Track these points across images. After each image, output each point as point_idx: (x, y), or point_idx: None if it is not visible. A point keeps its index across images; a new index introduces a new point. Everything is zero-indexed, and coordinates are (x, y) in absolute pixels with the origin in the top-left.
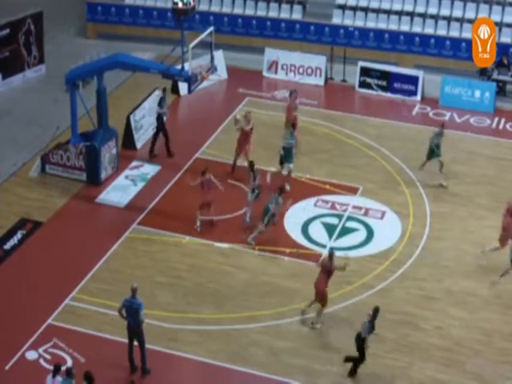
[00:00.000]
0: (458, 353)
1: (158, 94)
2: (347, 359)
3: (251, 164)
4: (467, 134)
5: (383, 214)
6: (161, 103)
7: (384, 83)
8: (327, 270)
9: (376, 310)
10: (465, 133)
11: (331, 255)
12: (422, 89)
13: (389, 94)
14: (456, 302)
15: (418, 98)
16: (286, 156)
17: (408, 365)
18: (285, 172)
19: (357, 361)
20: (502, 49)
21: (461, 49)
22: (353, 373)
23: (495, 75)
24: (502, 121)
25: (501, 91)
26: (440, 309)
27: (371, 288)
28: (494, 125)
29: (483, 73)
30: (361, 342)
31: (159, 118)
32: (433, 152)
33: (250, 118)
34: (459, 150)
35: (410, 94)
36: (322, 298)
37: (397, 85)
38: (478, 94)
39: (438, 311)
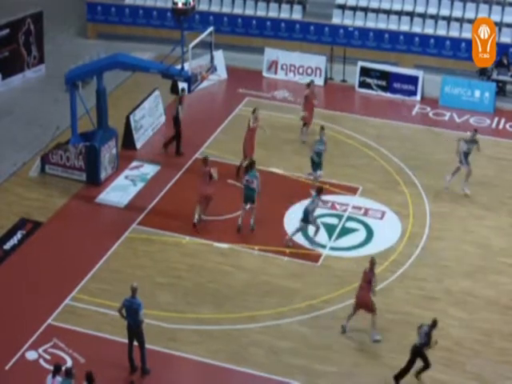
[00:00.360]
0: (458, 353)
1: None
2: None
3: (252, 163)
4: (466, 134)
5: (383, 214)
6: (181, 103)
7: (384, 83)
8: (368, 279)
9: (434, 322)
10: (464, 133)
11: (372, 263)
12: (421, 89)
13: (388, 94)
14: (456, 302)
15: (418, 97)
16: (319, 162)
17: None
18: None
19: (424, 367)
20: (501, 49)
21: (460, 49)
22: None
23: (495, 75)
24: (502, 121)
25: (501, 91)
26: (440, 309)
27: None
28: (493, 125)
29: (483, 73)
30: (419, 352)
31: (177, 118)
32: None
33: (257, 115)
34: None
35: (409, 94)
36: (370, 308)
37: (396, 85)
38: (477, 94)
39: (437, 311)
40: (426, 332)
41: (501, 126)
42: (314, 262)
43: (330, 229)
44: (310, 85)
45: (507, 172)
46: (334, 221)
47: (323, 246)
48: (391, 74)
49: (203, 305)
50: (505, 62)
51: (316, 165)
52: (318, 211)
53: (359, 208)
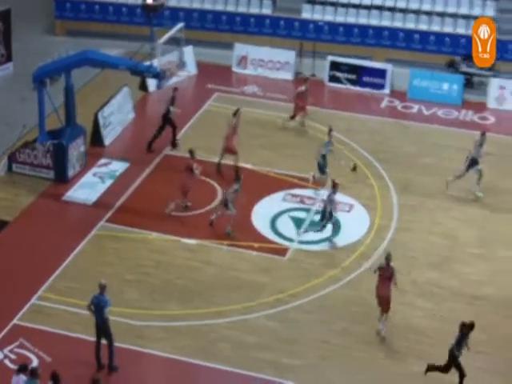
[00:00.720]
0: (425, 344)
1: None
2: (431, 368)
3: (238, 171)
4: (434, 127)
5: (351, 207)
6: (173, 103)
7: (353, 77)
8: (388, 274)
9: (471, 324)
10: (432, 125)
11: (388, 259)
12: (390, 82)
13: (358, 88)
14: (422, 292)
15: (387, 91)
16: (325, 164)
17: (375, 357)
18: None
19: (460, 377)
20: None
21: (429, 42)
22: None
23: (463, 68)
24: (470, 113)
25: (468, 83)
26: (407, 300)
27: (339, 281)
28: (461, 117)
29: (451, 65)
30: (453, 358)
31: (167, 115)
32: (475, 163)
33: (239, 114)
34: (427, 142)
35: (378, 88)
36: (387, 304)
37: (366, 78)
38: (445, 86)
39: (405, 303)
40: (462, 335)
41: (468, 118)
42: (282, 256)
43: (298, 222)
44: (306, 80)
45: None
46: (302, 215)
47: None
48: (360, 68)
49: (171, 301)
50: (471, 54)
51: (321, 167)
52: (287, 205)
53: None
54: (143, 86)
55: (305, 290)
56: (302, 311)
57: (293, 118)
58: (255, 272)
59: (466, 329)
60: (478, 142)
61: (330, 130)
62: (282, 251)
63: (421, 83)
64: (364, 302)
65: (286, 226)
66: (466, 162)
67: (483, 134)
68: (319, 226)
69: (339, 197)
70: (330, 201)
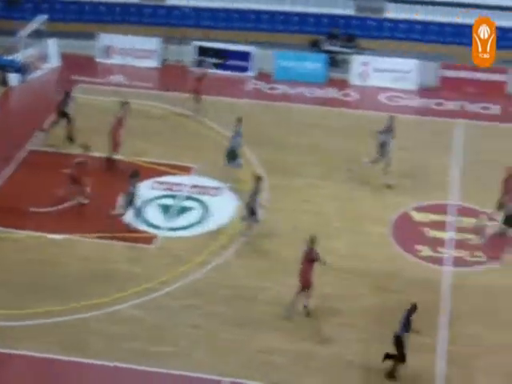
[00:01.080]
0: (297, 319)
1: None
2: (387, 356)
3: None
4: (300, 106)
5: (219, 190)
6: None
7: (219, 61)
8: (311, 257)
9: (413, 307)
10: (298, 105)
11: (312, 242)
12: (255, 64)
13: (224, 72)
14: (292, 270)
15: (252, 73)
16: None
17: (247, 338)
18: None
19: (395, 360)
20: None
21: (292, 22)
22: (392, 375)
23: (326, 46)
24: (334, 90)
25: (333, 62)
26: (276, 279)
27: (208, 264)
28: (325, 95)
29: (315, 45)
30: (398, 341)
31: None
32: (385, 148)
33: (127, 106)
34: (292, 121)
35: (244, 70)
36: (308, 286)
37: (231, 62)
38: (310, 65)
39: (274, 281)
40: (405, 318)
41: (332, 96)
42: (150, 244)
43: (166, 210)
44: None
45: (335, 139)
46: (170, 201)
47: (162, 229)
48: (225, 52)
49: (41, 299)
50: (335, 33)
51: (231, 156)
52: (155, 193)
53: (195, 187)
54: (3, 81)
55: (173, 276)
56: (171, 298)
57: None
58: (124, 262)
59: (410, 311)
60: (387, 125)
61: (239, 121)
62: (149, 240)
63: (285, 64)
64: (233, 283)
65: (153, 214)
66: (377, 147)
67: (391, 118)
68: (250, 220)
69: (206, 181)
70: (255, 193)
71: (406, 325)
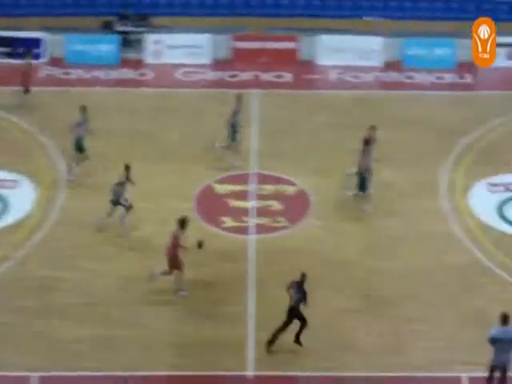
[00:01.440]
0: (100, 305)
1: None
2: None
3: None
4: (96, 89)
5: (17, 183)
6: None
7: (8, 50)
8: (174, 237)
9: (303, 276)
10: (93, 88)
11: (181, 222)
12: (47, 50)
13: (15, 61)
14: (93, 255)
15: (44, 60)
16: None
17: (53, 329)
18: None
19: (301, 326)
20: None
21: (82, 5)
22: (297, 338)
23: (118, 27)
24: (129, 71)
25: (125, 42)
26: (77, 266)
27: (9, 259)
28: (120, 75)
29: (107, 26)
30: (294, 312)
31: None
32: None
33: None
34: (91, 105)
35: (35, 58)
36: (175, 263)
37: (21, 49)
38: (103, 48)
39: (74, 269)
40: (299, 287)
41: (127, 76)
42: None
43: None
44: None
45: (139, 121)
46: None
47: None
48: (14, 40)
49: None
50: (127, 13)
51: (79, 147)
52: None
53: None
54: None
55: None
56: None
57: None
58: None
59: (301, 283)
60: (235, 107)
61: (83, 109)
62: None
63: (78, 48)
64: (35, 275)
65: None
66: (228, 130)
67: (239, 98)
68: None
69: (3, 175)
70: (120, 184)
71: (302, 295)
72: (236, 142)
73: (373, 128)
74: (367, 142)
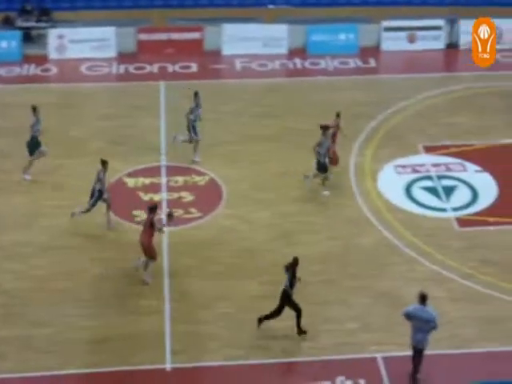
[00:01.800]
0: (15, 305)
1: None
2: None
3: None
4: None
5: None
6: None
7: None
8: (148, 223)
9: (295, 260)
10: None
11: (152, 208)
12: None
13: None
14: (9, 255)
15: None
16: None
17: None
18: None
19: (297, 316)
20: None
21: None
22: (299, 329)
23: (19, 23)
24: (32, 67)
25: (28, 38)
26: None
27: None
28: (24, 72)
29: (7, 22)
30: (288, 298)
31: None
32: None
33: None
34: None
35: None
36: (149, 251)
37: None
38: (3, 44)
39: None
40: (288, 270)
41: (31, 73)
42: None
43: None
44: None
45: (48, 117)
46: None
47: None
48: None
49: None
50: (28, 8)
51: (34, 145)
52: None
53: None
54: None
55: None
56: None
57: None
58: None
59: (292, 266)
60: (194, 103)
61: (34, 109)
62: None
63: None
64: None
65: None
66: (188, 127)
67: (196, 95)
68: (88, 204)
69: None
70: (100, 179)
71: (292, 280)
72: (197, 137)
73: (337, 115)
74: (325, 128)
